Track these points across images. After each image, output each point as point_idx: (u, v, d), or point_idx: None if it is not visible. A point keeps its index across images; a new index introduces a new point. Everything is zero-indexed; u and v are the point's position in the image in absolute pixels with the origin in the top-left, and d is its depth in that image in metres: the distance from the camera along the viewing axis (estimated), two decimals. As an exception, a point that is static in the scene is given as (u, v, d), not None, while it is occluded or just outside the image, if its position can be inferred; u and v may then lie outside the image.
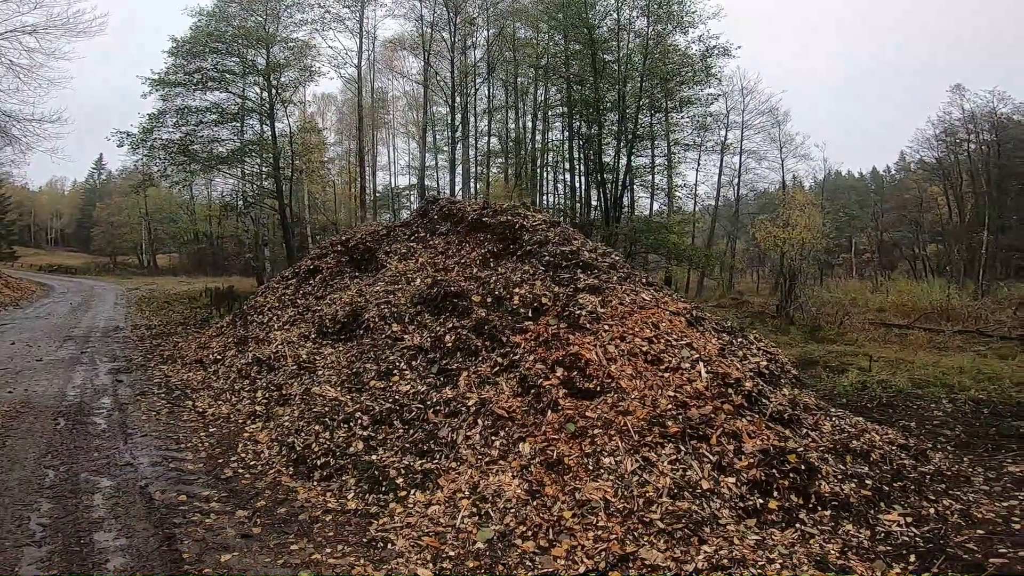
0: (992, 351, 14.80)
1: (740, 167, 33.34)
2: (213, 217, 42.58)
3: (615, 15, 24.76)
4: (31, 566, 4.00)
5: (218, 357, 10.19)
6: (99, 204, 54.82)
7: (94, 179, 63.15)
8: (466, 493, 5.02)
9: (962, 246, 29.84)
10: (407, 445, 5.79)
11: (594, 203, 27.59)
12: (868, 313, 22.01)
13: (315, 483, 5.60)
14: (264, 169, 25.69)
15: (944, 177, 33.08)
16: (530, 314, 6.82)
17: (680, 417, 5.30)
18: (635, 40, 24.79)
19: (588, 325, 6.26)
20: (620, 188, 25.31)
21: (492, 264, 8.54)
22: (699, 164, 31.95)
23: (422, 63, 28.52)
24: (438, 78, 28.57)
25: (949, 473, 6.13)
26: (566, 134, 29.09)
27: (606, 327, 6.18)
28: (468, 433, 5.68)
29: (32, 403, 8.24)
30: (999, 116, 30.18)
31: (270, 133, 24.52)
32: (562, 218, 25.23)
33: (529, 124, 31.02)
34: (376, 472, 5.48)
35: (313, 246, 25.94)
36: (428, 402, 6.15)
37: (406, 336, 7.36)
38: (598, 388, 5.55)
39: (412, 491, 5.22)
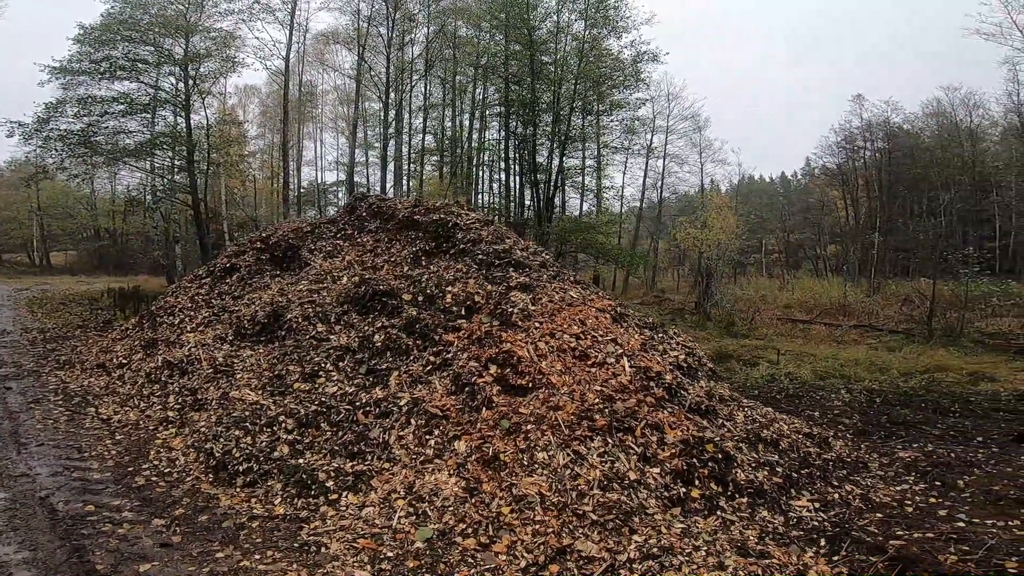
0: (882, 344, 16.22)
1: (664, 170, 34.76)
2: (117, 212, 39.47)
3: (555, 17, 25.17)
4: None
5: (123, 361, 9.49)
6: (-18, 197, 49.41)
7: (-25, 170, 56.86)
8: (401, 493, 4.98)
9: (857, 247, 32.57)
10: (336, 447, 5.65)
11: (527, 203, 27.91)
12: (776, 309, 23.53)
13: (238, 489, 5.37)
14: (177, 163, 24.07)
15: (843, 182, 35.98)
16: (463, 312, 6.83)
17: (607, 411, 5.49)
18: (572, 43, 25.29)
19: (520, 323, 6.35)
20: (552, 188, 25.75)
21: (424, 262, 8.47)
22: (626, 167, 33.08)
23: (356, 57, 27.74)
24: (372, 73, 27.89)
25: (849, 460, 6.66)
26: (502, 134, 29.25)
27: (537, 324, 6.30)
28: (401, 433, 5.62)
29: (-98, 416, 7.38)
30: (891, 125, 33.25)
31: (184, 125, 23.03)
32: (496, 217, 25.37)
33: (466, 123, 30.94)
34: (304, 476, 5.32)
35: (230, 244, 24.73)
36: (357, 403, 6.02)
37: (332, 336, 7.16)
38: (530, 384, 5.65)
39: (344, 493, 5.11)
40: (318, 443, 5.76)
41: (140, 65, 21.79)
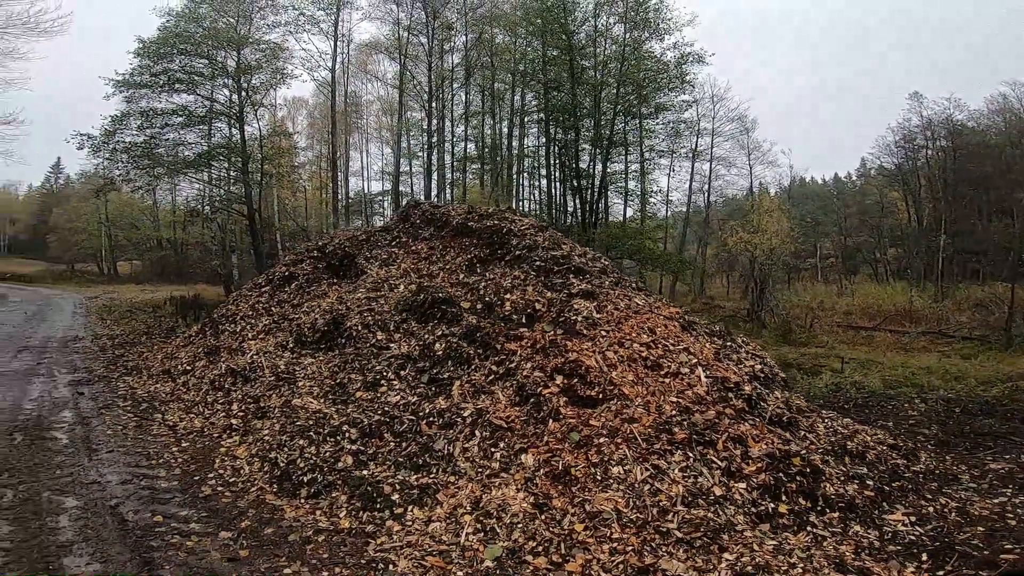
0: (955, 351, 15.21)
1: (711, 173, 33.82)
2: (177, 223, 41.11)
3: (592, 22, 24.85)
4: (-9, 601, 3.58)
5: (187, 368, 9.64)
6: (56, 210, 52.38)
7: (51, 183, 60.46)
8: (468, 508, 4.76)
9: (921, 250, 30.79)
10: (400, 459, 5.47)
11: (570, 209, 27.56)
12: (835, 316, 22.48)
13: (303, 500, 5.25)
14: (232, 173, 24.84)
15: (903, 183, 34.14)
16: (523, 320, 6.58)
17: (685, 423, 5.14)
18: (612, 47, 24.91)
19: (585, 331, 6.06)
20: (596, 194, 25.34)
21: (479, 269, 8.28)
22: (671, 170, 32.28)
23: (398, 67, 28.09)
24: (415, 82, 28.18)
25: (938, 472, 6.23)
26: (542, 140, 29.03)
27: (603, 333, 5.99)
28: (465, 445, 5.40)
29: (-16, 418, 7.62)
30: (955, 123, 31.35)
31: (239, 136, 23.73)
32: (540, 224, 25.00)
33: (505, 130, 30.86)
34: (369, 488, 5.15)
35: (285, 252, 25.31)
36: (420, 413, 5.84)
37: (392, 344, 7.04)
38: (600, 395, 5.35)
39: (409, 507, 4.91)
40: (382, 454, 5.60)
41: (196, 77, 22.60)
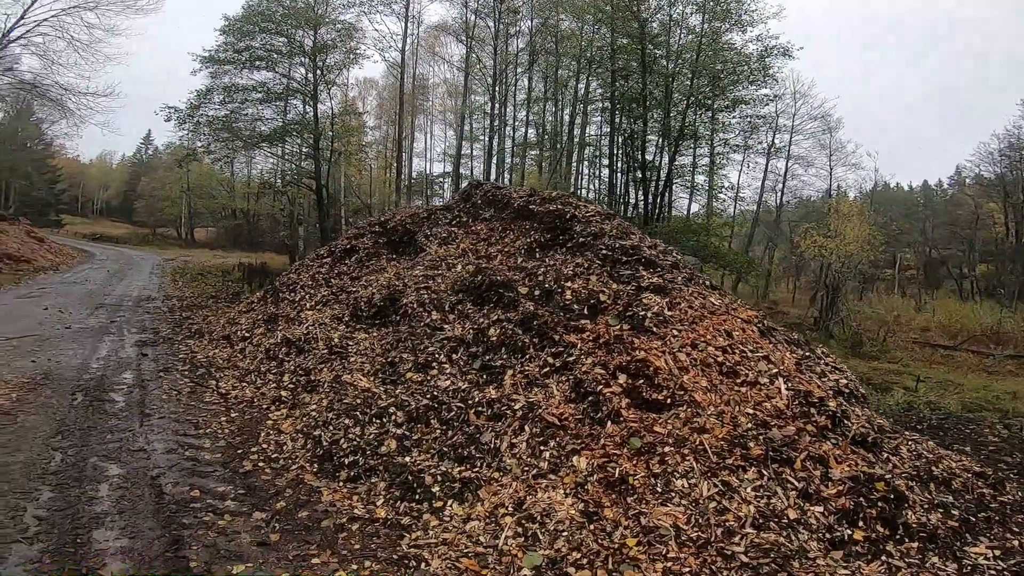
0: (1047, 377, 13.70)
1: (786, 172, 31.84)
2: (251, 194, 42.64)
3: (668, 10, 23.62)
4: (18, 567, 3.43)
5: (246, 335, 9.67)
6: (144, 178, 55.47)
7: (141, 154, 63.98)
8: (510, 509, 4.34)
9: (1017, 268, 27.96)
10: (445, 448, 5.11)
11: (631, 201, 26.56)
12: (911, 332, 20.78)
13: (341, 484, 4.97)
14: (304, 149, 25.33)
15: (1004, 194, 31.05)
16: (585, 312, 6.06)
17: (762, 438, 4.52)
18: (687, 36, 23.65)
19: (655, 329, 5.48)
20: (662, 187, 24.26)
21: (538, 254, 7.81)
22: (742, 167, 30.61)
23: (464, 50, 27.83)
24: (480, 65, 27.83)
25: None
26: (606, 129, 28.09)
27: (675, 332, 5.40)
28: (514, 440, 4.97)
29: (53, 375, 7.79)
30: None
31: (312, 114, 24.13)
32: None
33: (567, 117, 30.07)
34: (410, 477, 4.82)
35: (348, 227, 25.64)
36: (470, 401, 5.45)
37: (446, 326, 6.67)
38: (668, 400, 4.79)
39: (449, 502, 4.55)
40: (426, 441, 5.26)
41: (275, 55, 23.06)
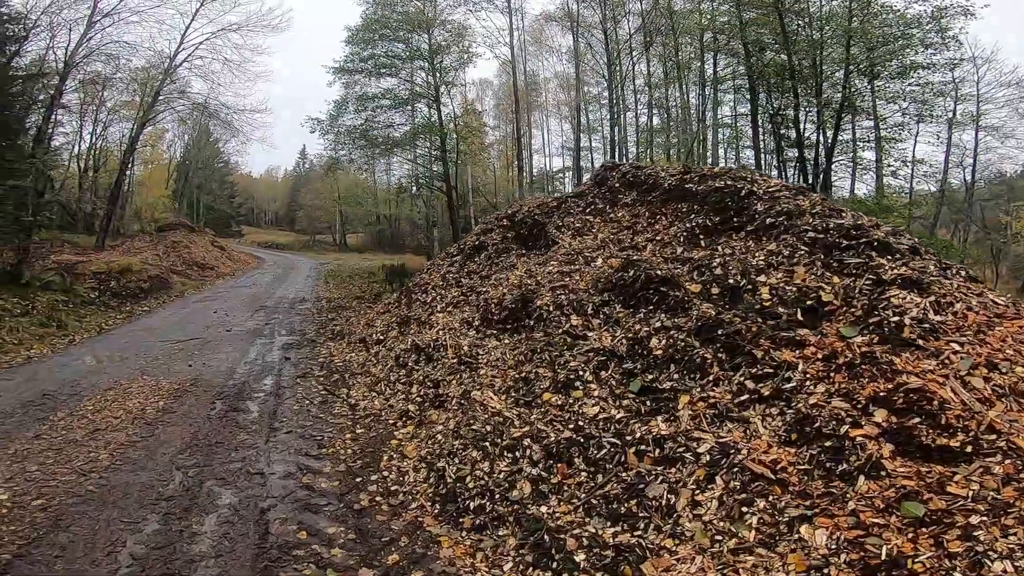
0: None
1: (976, 145, 25.98)
2: (391, 200, 44.56)
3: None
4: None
5: (380, 338, 9.09)
6: (303, 189, 60.71)
7: (299, 167, 70.33)
8: (698, 605, 2.88)
9: None
10: (594, 500, 3.75)
11: (785, 184, 23.02)
12: None
13: (464, 533, 3.85)
14: (433, 152, 25.42)
15: None
16: (799, 316, 4.32)
17: None
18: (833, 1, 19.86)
19: (920, 341, 3.63)
20: (826, 165, 20.69)
21: (704, 242, 6.13)
22: (916, 141, 25.47)
23: (572, 40, 26.28)
24: (592, 52, 26.09)
25: None
26: (741, 108, 24.83)
27: (955, 346, 3.52)
28: (698, 496, 3.47)
29: (202, 380, 7.68)
30: None
31: (437, 116, 24.08)
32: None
33: (694, 99, 27.11)
34: (546, 537, 3.53)
35: (477, 225, 25.26)
36: (627, 436, 4.04)
37: (590, 334, 5.30)
38: (968, 447, 2.99)
39: (601, 578, 3.19)
40: (569, 487, 3.94)
41: (396, 61, 23.27)
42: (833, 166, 23.24)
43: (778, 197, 5.89)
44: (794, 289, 4.49)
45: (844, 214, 5.45)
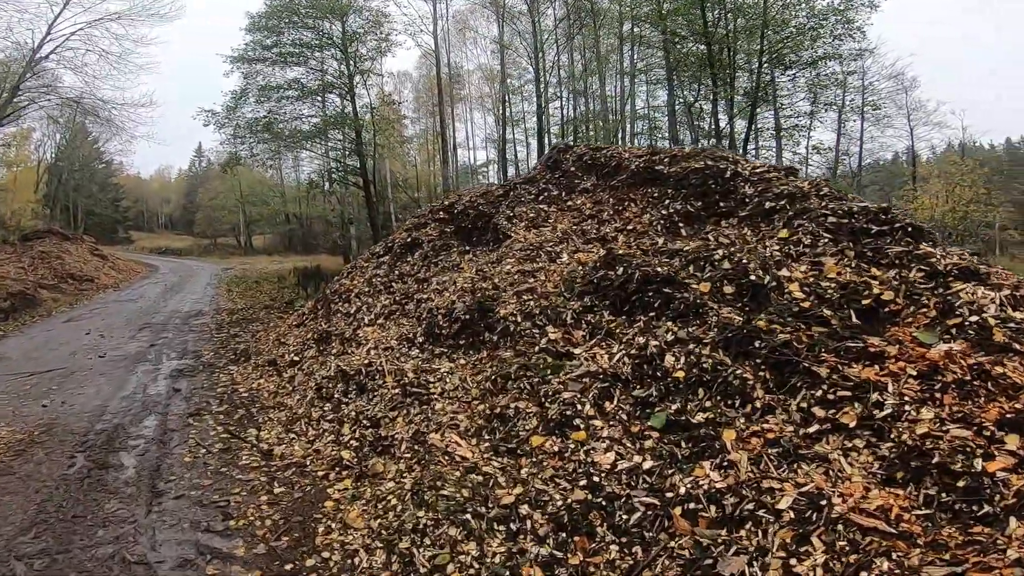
0: None
1: (862, 135, 27.80)
2: (302, 198, 41.21)
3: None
4: None
5: (295, 359, 7.47)
6: (201, 189, 55.11)
7: (195, 166, 63.77)
8: None
9: None
10: (637, 589, 2.63)
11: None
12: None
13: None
14: (347, 146, 23.29)
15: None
16: (853, 319, 3.40)
17: None
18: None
19: (1017, 345, 2.81)
20: (742, 155, 20.98)
21: (685, 230, 5.19)
22: (809, 131, 26.85)
23: (498, 29, 25.26)
24: (519, 39, 25.16)
25: None
26: (660, 100, 24.97)
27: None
28: (796, 568, 2.44)
29: (58, 426, 5.83)
30: None
31: (351, 108, 21.99)
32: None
33: (615, 91, 27.01)
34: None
35: (399, 222, 23.57)
36: (667, 492, 2.94)
37: (577, 351, 4.15)
38: None
39: None
40: (597, 570, 2.79)
41: (305, 50, 21.02)
42: (749, 155, 23.81)
43: (769, 179, 5.06)
44: (833, 286, 3.59)
45: (848, 200, 4.68)
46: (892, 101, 28.19)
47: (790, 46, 20.91)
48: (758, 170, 5.32)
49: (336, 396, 5.44)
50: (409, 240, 8.07)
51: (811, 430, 2.88)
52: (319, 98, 22.84)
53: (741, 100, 20.89)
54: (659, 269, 4.23)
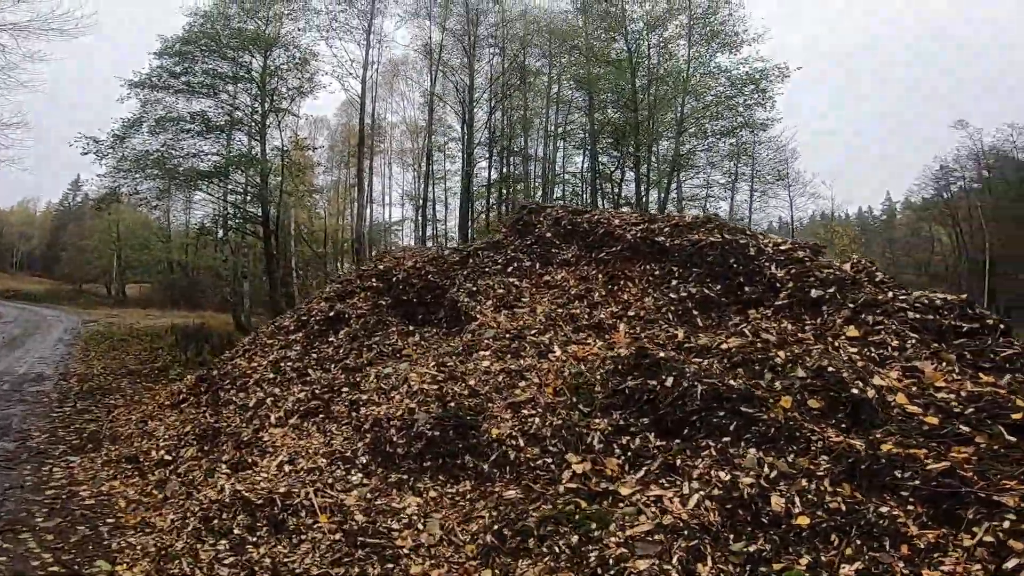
0: None
1: (751, 202, 30.22)
2: (190, 244, 36.74)
3: (646, 35, 21.54)
4: None
5: (167, 456, 5.42)
6: (70, 227, 47.92)
7: (69, 200, 55.74)
8: None
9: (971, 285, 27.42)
10: None
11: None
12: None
13: None
14: (250, 190, 20.86)
15: (951, 215, 31.23)
16: (1005, 436, 2.44)
17: None
18: (669, 62, 21.58)
19: None
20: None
21: (701, 320, 4.19)
22: (733, 196, 28.91)
23: (428, 84, 24.85)
24: (453, 93, 24.86)
25: None
26: (585, 164, 25.55)
27: None
28: None
29: None
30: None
31: (259, 148, 19.86)
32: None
33: (537, 152, 27.34)
34: None
35: (299, 278, 21.35)
36: None
37: (625, 491, 2.84)
38: None
39: None
40: None
41: (218, 82, 18.87)
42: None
43: (800, 259, 4.27)
44: (953, 397, 2.72)
45: (892, 286, 3.98)
46: (775, 171, 31.13)
47: (707, 115, 22.29)
48: (782, 247, 4.56)
49: (233, 532, 3.62)
50: (332, 313, 6.39)
51: (1009, 565, 1.86)
52: (224, 135, 20.49)
53: (662, 166, 21.73)
54: (730, 383, 3.13)
